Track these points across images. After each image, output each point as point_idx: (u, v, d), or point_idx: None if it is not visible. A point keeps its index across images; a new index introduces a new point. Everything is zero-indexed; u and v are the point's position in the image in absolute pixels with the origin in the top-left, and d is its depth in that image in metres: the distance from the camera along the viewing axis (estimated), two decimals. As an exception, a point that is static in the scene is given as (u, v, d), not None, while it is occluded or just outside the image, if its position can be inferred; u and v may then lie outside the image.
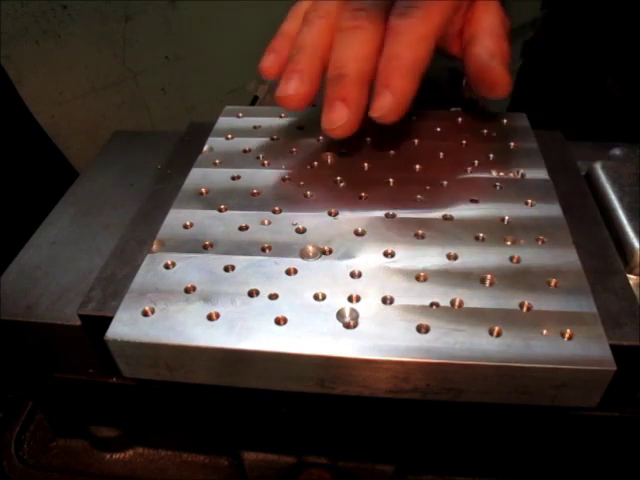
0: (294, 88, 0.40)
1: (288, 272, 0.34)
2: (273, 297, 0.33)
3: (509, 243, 0.36)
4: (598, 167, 0.42)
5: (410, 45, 0.38)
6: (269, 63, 0.43)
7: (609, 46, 0.68)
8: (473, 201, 0.39)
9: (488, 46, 0.43)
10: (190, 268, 0.35)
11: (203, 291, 0.33)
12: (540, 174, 0.41)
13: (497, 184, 0.41)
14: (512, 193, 0.40)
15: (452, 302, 0.32)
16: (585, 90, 0.73)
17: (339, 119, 0.38)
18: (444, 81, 0.63)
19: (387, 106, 0.37)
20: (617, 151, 0.44)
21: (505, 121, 0.47)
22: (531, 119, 0.47)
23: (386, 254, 0.35)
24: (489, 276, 0.33)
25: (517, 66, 0.92)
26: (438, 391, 0.30)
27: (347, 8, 0.40)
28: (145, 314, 0.32)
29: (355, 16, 0.40)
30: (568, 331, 0.30)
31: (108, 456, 0.44)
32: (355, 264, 0.35)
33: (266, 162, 0.44)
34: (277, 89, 0.40)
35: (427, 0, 0.39)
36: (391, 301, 0.32)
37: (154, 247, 0.36)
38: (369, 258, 0.35)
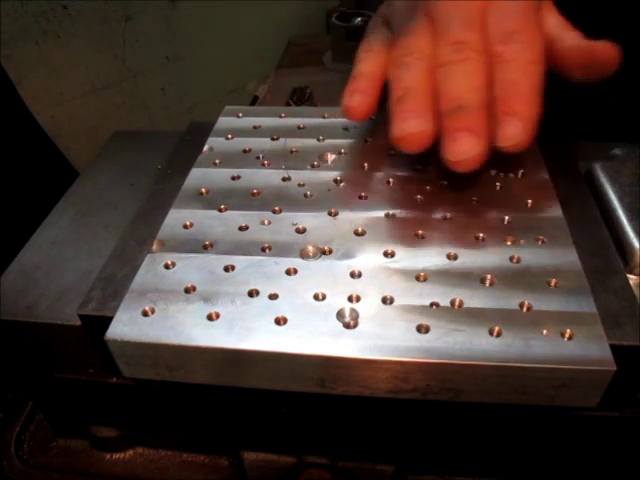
0: (415, 126, 0.37)
1: (288, 272, 0.34)
2: (273, 297, 0.33)
3: (509, 243, 0.36)
4: (598, 167, 0.42)
5: (524, 70, 0.37)
6: (355, 103, 0.41)
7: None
8: (473, 201, 0.39)
9: (574, 36, 0.41)
10: (190, 268, 0.35)
11: (203, 291, 0.33)
12: (540, 174, 0.41)
13: (497, 184, 0.41)
14: (512, 193, 0.40)
15: (452, 302, 0.32)
16: (593, 90, 0.72)
17: (469, 150, 0.35)
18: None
19: (518, 134, 0.36)
20: (617, 151, 0.44)
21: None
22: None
23: (386, 254, 0.35)
24: (489, 276, 0.33)
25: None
26: (438, 391, 0.30)
27: (444, 43, 0.39)
28: (145, 314, 0.32)
29: (457, 49, 0.38)
30: (568, 331, 0.30)
31: (108, 456, 0.44)
32: (355, 264, 0.35)
33: (266, 162, 0.44)
34: (391, 130, 0.37)
35: (524, 24, 0.38)
36: (391, 301, 0.32)
37: (154, 247, 0.36)
38: (369, 258, 0.35)
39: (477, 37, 0.38)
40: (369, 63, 0.43)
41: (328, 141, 0.46)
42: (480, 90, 0.37)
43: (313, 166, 0.44)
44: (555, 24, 0.42)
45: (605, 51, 0.39)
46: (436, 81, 0.38)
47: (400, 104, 0.38)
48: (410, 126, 0.37)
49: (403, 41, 0.41)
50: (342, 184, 0.42)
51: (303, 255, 0.36)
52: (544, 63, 0.38)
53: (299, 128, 0.48)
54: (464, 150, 0.35)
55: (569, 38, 0.41)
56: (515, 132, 0.36)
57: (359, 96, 0.41)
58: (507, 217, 0.38)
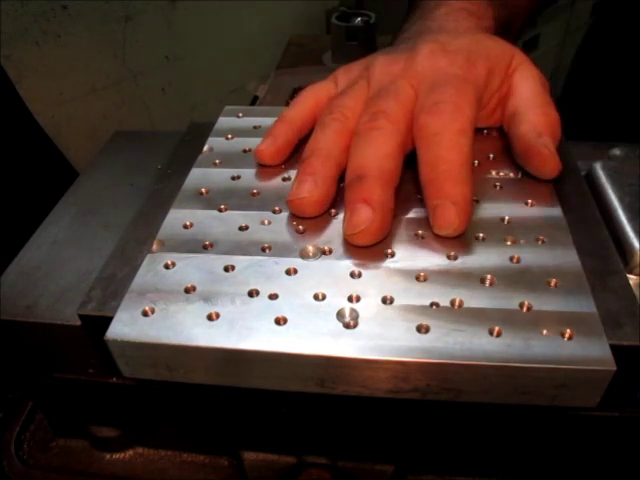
0: (307, 190, 0.37)
1: (288, 272, 0.34)
2: (273, 297, 0.33)
3: (509, 243, 0.36)
4: (598, 167, 0.42)
5: (451, 145, 0.36)
6: (264, 146, 0.42)
7: None
8: (473, 201, 0.39)
9: (534, 122, 0.39)
10: (190, 268, 0.35)
11: (203, 291, 0.33)
12: (540, 174, 0.41)
13: (497, 184, 0.41)
14: (512, 193, 0.40)
15: (452, 302, 0.32)
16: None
17: (363, 222, 0.34)
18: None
19: (452, 219, 0.34)
20: (617, 151, 0.44)
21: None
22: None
23: (386, 254, 0.35)
24: (489, 276, 0.33)
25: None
26: (438, 391, 0.30)
27: (366, 111, 0.39)
28: (145, 314, 0.32)
29: (373, 118, 0.38)
30: (568, 331, 0.30)
31: (108, 456, 0.44)
32: (355, 264, 0.35)
33: (266, 162, 0.44)
34: (290, 193, 0.38)
35: (453, 93, 0.38)
36: (391, 301, 0.32)
37: (154, 247, 0.36)
38: (369, 258, 0.35)
39: (398, 108, 0.38)
40: (297, 110, 0.44)
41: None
42: (386, 158, 0.36)
43: (313, 166, 0.44)
44: (527, 98, 0.41)
45: (545, 160, 0.38)
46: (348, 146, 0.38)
47: (303, 165, 0.38)
48: (301, 190, 0.37)
49: (335, 100, 0.41)
50: (342, 184, 0.42)
51: (303, 255, 0.36)
52: (472, 132, 0.37)
53: (299, 128, 0.48)
54: (357, 222, 0.34)
55: (526, 124, 0.40)
56: (449, 217, 0.34)
57: (270, 140, 0.42)
58: (507, 217, 0.38)
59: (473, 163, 0.38)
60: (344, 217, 0.36)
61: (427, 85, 0.39)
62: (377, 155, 0.36)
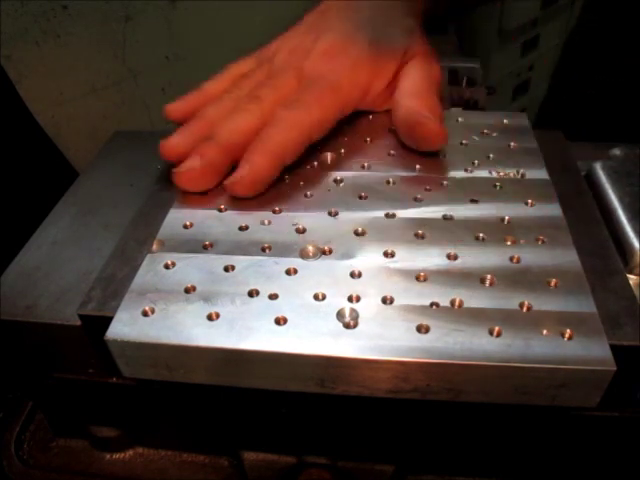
0: (175, 142, 0.42)
1: (288, 272, 0.34)
2: (273, 297, 0.33)
3: (509, 243, 0.36)
4: (598, 167, 0.42)
5: (282, 130, 0.41)
6: (173, 107, 0.48)
7: None
8: (473, 201, 0.39)
9: (409, 105, 0.44)
10: (190, 268, 0.35)
11: (203, 291, 0.33)
12: (540, 174, 0.41)
13: (497, 184, 0.41)
14: (512, 193, 0.40)
15: (452, 302, 0.32)
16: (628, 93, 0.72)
17: (187, 166, 0.40)
18: (444, 81, 0.63)
19: (239, 178, 0.39)
20: (617, 151, 0.44)
21: (505, 121, 0.47)
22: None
23: (386, 254, 0.35)
24: (489, 276, 0.33)
25: (518, 66, 0.92)
26: (438, 391, 0.30)
27: (249, 92, 0.45)
28: (145, 314, 0.32)
29: (248, 100, 0.44)
30: (568, 331, 0.30)
31: (108, 456, 0.44)
32: (355, 264, 0.35)
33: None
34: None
35: (312, 96, 0.43)
36: (391, 301, 0.32)
37: (154, 247, 0.36)
38: (369, 258, 0.35)
39: (271, 98, 0.43)
40: (214, 82, 0.50)
41: (328, 141, 0.46)
42: (238, 134, 0.41)
43: (313, 166, 0.44)
44: (406, 88, 0.46)
45: (425, 129, 0.42)
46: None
47: (187, 123, 0.44)
48: (172, 140, 0.42)
49: (238, 80, 0.48)
50: (342, 184, 0.42)
51: (303, 255, 0.36)
52: (308, 130, 0.42)
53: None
54: (183, 165, 0.40)
55: (402, 107, 0.44)
56: (237, 175, 0.39)
57: (182, 103, 0.48)
58: (507, 217, 0.38)
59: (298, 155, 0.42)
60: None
61: (304, 82, 0.45)
62: (232, 129, 0.42)
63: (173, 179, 0.41)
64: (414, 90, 0.45)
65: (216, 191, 0.41)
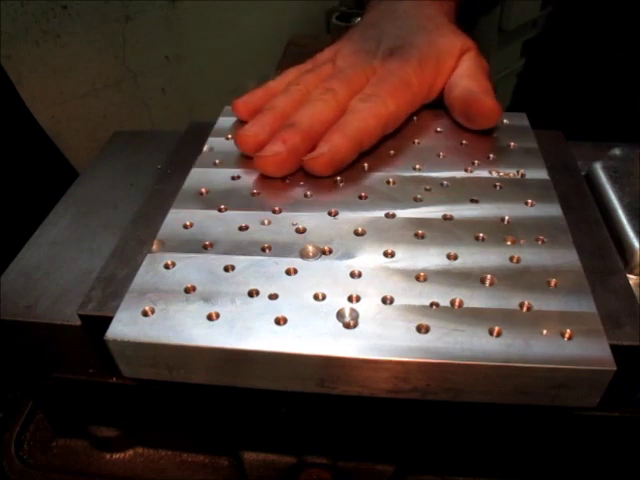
0: (254, 132, 0.44)
1: (288, 272, 0.34)
2: (273, 297, 0.33)
3: (509, 243, 0.36)
4: (598, 167, 0.42)
5: (360, 118, 0.43)
6: (241, 101, 0.48)
7: (622, 39, 0.68)
8: (473, 201, 0.39)
9: (466, 85, 0.47)
10: (190, 268, 0.35)
11: (203, 291, 0.33)
12: (540, 174, 0.41)
13: (497, 184, 0.41)
14: (512, 193, 0.40)
15: (452, 302, 0.32)
16: (593, 89, 0.73)
17: (272, 151, 0.41)
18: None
19: (318, 155, 0.41)
20: (617, 151, 0.44)
21: (505, 121, 0.47)
22: (532, 119, 0.47)
23: (386, 254, 0.35)
24: (489, 276, 0.33)
25: (519, 65, 0.92)
26: (438, 391, 0.30)
27: (320, 86, 0.46)
28: (145, 314, 0.32)
29: (323, 92, 0.45)
30: (568, 331, 0.30)
31: (108, 456, 0.44)
32: (355, 264, 0.35)
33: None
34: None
35: (385, 91, 0.45)
36: (391, 301, 0.32)
37: (154, 247, 0.36)
38: (369, 258, 0.35)
39: (345, 91, 0.45)
40: (274, 82, 0.51)
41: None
42: (318, 122, 0.43)
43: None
44: (461, 72, 0.49)
45: (482, 105, 0.45)
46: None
47: (259, 115, 0.45)
48: (250, 130, 0.44)
49: (302, 75, 0.50)
50: (342, 184, 0.42)
51: (303, 255, 0.36)
52: (386, 120, 0.44)
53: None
54: (268, 150, 0.41)
55: (459, 88, 0.47)
56: (317, 154, 0.41)
57: (248, 98, 0.49)
58: (507, 217, 0.38)
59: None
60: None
61: (375, 78, 0.47)
62: (313, 117, 0.43)
63: (256, 164, 0.42)
64: (468, 73, 0.48)
65: (216, 190, 0.41)
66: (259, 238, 0.37)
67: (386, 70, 0.47)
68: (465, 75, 0.48)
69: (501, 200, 0.39)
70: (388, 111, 0.44)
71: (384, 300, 0.32)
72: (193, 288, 0.33)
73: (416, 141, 0.46)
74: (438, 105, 0.50)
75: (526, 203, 0.39)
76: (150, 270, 0.35)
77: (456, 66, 0.50)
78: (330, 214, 0.39)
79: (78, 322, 0.34)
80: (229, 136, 0.47)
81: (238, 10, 1.35)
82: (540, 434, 0.37)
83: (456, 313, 0.31)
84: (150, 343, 0.31)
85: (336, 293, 0.33)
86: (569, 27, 0.76)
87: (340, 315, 0.31)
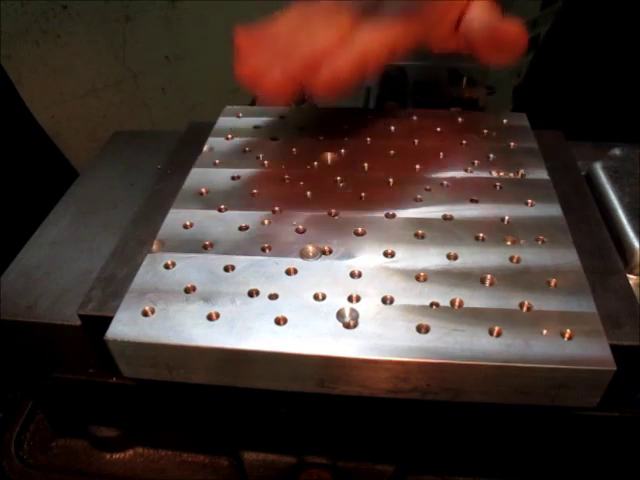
0: (253, 65, 0.42)
1: (288, 272, 0.34)
2: (273, 297, 0.33)
3: (509, 243, 0.36)
4: (598, 167, 0.42)
5: (365, 40, 0.40)
6: (243, 35, 0.47)
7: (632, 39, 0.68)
8: (473, 201, 0.39)
9: (484, 18, 0.43)
10: (190, 268, 0.35)
11: (203, 291, 0.33)
12: (540, 174, 0.41)
13: (497, 184, 0.41)
14: (512, 193, 0.40)
15: (452, 302, 0.32)
16: (593, 88, 0.73)
17: (269, 80, 0.40)
18: (444, 81, 0.63)
19: (322, 77, 0.39)
20: (617, 151, 0.44)
21: (505, 121, 0.47)
22: (532, 119, 0.47)
23: (386, 254, 0.35)
24: (489, 276, 0.33)
25: (519, 65, 0.92)
26: (438, 391, 0.30)
27: (322, 13, 0.43)
28: (145, 314, 0.32)
29: (325, 18, 0.43)
30: (568, 331, 0.30)
31: (108, 456, 0.44)
32: (355, 264, 0.35)
33: (266, 162, 0.44)
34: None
35: (394, 14, 0.41)
36: (391, 301, 0.32)
37: (154, 247, 0.36)
38: (369, 258, 0.35)
39: (348, 17, 0.42)
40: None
41: (328, 141, 0.46)
42: (319, 48, 0.40)
43: (313, 166, 0.44)
44: (475, 10, 0.44)
45: (508, 32, 0.41)
46: None
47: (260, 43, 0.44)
48: (247, 62, 0.43)
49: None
50: (342, 184, 0.42)
51: (303, 255, 0.36)
52: (393, 45, 0.41)
53: (299, 128, 0.48)
54: (270, 76, 0.40)
55: (476, 21, 0.43)
56: (320, 75, 0.39)
57: (247, 31, 0.47)
58: (507, 217, 0.38)
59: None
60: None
61: (384, 4, 0.43)
62: (311, 41, 0.41)
63: (256, 89, 0.41)
64: (487, 9, 0.44)
65: (216, 190, 0.41)
66: (259, 238, 0.37)
67: None
68: (483, 10, 0.44)
69: (501, 200, 0.39)
70: (396, 34, 0.41)
71: (384, 300, 0.32)
72: (193, 288, 0.33)
73: (416, 141, 0.46)
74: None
75: (526, 203, 0.39)
76: (150, 270, 0.35)
77: (467, 9, 0.46)
78: (330, 214, 0.39)
79: (78, 322, 0.34)
80: (229, 136, 0.47)
81: (238, 10, 1.35)
82: (540, 434, 0.37)
83: (456, 313, 0.31)
84: (150, 343, 0.31)
85: (336, 293, 0.33)
86: (569, 27, 0.76)
87: (340, 315, 0.31)
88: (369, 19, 0.43)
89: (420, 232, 0.37)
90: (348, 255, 0.35)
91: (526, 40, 0.41)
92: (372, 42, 0.41)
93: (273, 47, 0.43)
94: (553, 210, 0.38)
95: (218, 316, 0.32)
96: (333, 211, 0.39)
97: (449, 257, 0.35)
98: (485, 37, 0.43)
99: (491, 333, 0.30)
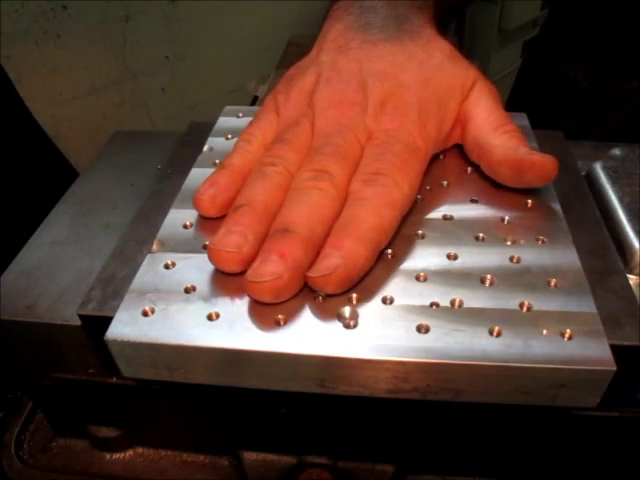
0: (235, 245, 0.32)
1: (288, 272, 0.34)
2: (273, 297, 0.33)
3: (509, 243, 0.36)
4: (598, 167, 0.42)
5: (372, 211, 0.33)
6: (206, 197, 0.37)
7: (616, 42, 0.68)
8: (473, 201, 0.39)
9: (502, 144, 0.39)
10: (190, 268, 0.35)
11: (203, 291, 0.33)
12: (540, 174, 0.41)
13: (497, 184, 0.41)
14: (512, 193, 0.40)
15: (452, 302, 0.32)
16: (593, 88, 0.73)
17: (269, 274, 0.30)
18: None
19: (332, 269, 0.31)
20: (617, 151, 0.44)
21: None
22: (532, 119, 0.47)
23: (386, 254, 0.35)
24: (489, 276, 0.33)
25: (517, 65, 0.92)
26: (438, 391, 0.30)
27: (308, 167, 0.36)
28: (145, 314, 0.32)
29: (315, 176, 0.35)
30: (568, 331, 0.30)
31: (108, 456, 0.44)
32: (355, 264, 0.35)
33: (266, 162, 0.44)
34: (213, 240, 0.33)
35: (394, 166, 0.36)
36: (391, 301, 0.32)
37: (154, 247, 0.36)
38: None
39: (344, 171, 0.36)
40: (242, 156, 0.40)
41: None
42: (319, 223, 0.33)
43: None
44: (484, 122, 0.40)
45: (536, 164, 0.37)
46: (284, 201, 0.35)
47: (236, 214, 0.34)
48: (228, 243, 0.33)
49: (276, 148, 0.38)
50: None
51: (303, 255, 0.35)
52: (402, 208, 0.35)
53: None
54: (263, 272, 0.31)
55: (498, 148, 0.39)
56: (329, 266, 0.31)
57: (214, 191, 0.37)
58: (507, 217, 0.38)
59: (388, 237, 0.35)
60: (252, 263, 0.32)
61: (373, 147, 0.37)
62: (312, 217, 0.33)
63: (248, 291, 0.32)
64: (496, 123, 0.40)
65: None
66: None
67: (384, 133, 0.38)
68: (491, 129, 0.40)
69: (501, 200, 0.39)
70: (403, 194, 0.35)
71: (384, 300, 0.32)
72: (193, 288, 0.33)
73: (416, 141, 0.46)
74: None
75: (526, 203, 0.39)
76: (150, 270, 0.35)
77: (466, 100, 0.41)
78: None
79: (78, 322, 0.34)
80: (229, 136, 0.47)
81: (238, 10, 1.35)
82: (540, 434, 0.37)
83: (456, 313, 0.31)
84: (150, 343, 0.31)
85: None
86: (568, 27, 0.76)
87: (340, 315, 0.31)
88: (367, 169, 0.36)
89: (420, 232, 0.37)
90: (348, 255, 0.35)
91: (557, 171, 0.37)
92: (381, 210, 0.34)
93: (254, 219, 0.34)
94: (553, 210, 0.38)
95: (218, 316, 0.32)
96: (333, 211, 0.39)
97: (449, 257, 0.35)
98: (513, 173, 0.38)
99: (491, 333, 0.30)
